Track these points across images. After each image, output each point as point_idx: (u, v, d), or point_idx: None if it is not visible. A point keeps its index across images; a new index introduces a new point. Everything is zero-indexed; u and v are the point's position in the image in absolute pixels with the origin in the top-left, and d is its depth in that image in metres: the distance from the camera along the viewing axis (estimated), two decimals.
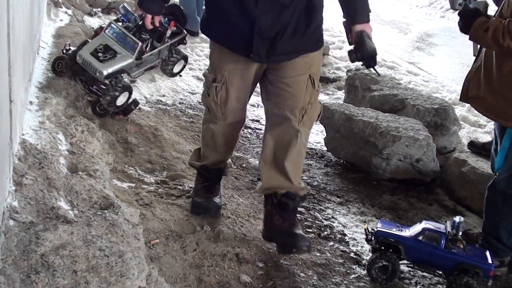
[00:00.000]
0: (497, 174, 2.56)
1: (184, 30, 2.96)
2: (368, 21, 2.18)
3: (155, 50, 2.86)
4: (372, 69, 2.17)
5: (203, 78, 2.45)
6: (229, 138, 2.51)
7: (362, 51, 2.12)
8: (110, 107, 2.87)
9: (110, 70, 2.70)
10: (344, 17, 2.23)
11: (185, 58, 3.11)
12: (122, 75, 2.80)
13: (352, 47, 2.18)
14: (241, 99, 2.39)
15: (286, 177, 2.33)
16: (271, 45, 2.16)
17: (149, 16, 2.43)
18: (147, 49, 2.82)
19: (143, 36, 2.75)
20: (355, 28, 2.17)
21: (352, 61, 2.17)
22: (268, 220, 2.44)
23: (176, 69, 3.07)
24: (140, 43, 2.74)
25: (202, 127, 2.57)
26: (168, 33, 2.83)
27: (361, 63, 2.16)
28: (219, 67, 2.32)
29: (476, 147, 3.59)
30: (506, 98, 2.42)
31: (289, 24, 2.15)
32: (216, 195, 2.63)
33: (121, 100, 2.84)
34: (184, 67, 3.15)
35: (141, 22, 2.63)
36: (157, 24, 2.51)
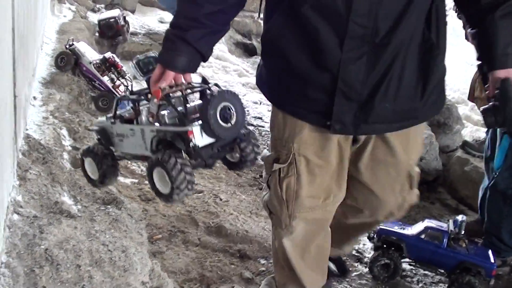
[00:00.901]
0: (497, 174, 2.56)
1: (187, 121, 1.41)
2: None
3: (133, 126, 1.52)
4: None
5: (263, 163, 1.63)
6: (316, 253, 1.69)
7: (504, 112, 1.40)
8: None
9: (95, 126, 1.67)
10: (482, 66, 1.53)
11: (171, 167, 1.38)
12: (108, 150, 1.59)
13: (489, 104, 1.45)
14: (318, 193, 1.57)
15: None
16: (361, 107, 1.43)
17: (157, 73, 1.45)
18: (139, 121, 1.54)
19: (131, 96, 1.61)
20: (494, 75, 1.43)
21: (489, 126, 1.49)
22: None
23: (157, 182, 1.40)
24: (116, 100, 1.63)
25: (272, 244, 1.82)
26: (143, 104, 1.53)
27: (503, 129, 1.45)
28: (283, 138, 1.54)
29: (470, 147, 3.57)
30: None
31: (390, 74, 1.41)
32: None
33: (90, 171, 1.61)
34: (175, 187, 1.37)
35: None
36: (177, 89, 1.44)
